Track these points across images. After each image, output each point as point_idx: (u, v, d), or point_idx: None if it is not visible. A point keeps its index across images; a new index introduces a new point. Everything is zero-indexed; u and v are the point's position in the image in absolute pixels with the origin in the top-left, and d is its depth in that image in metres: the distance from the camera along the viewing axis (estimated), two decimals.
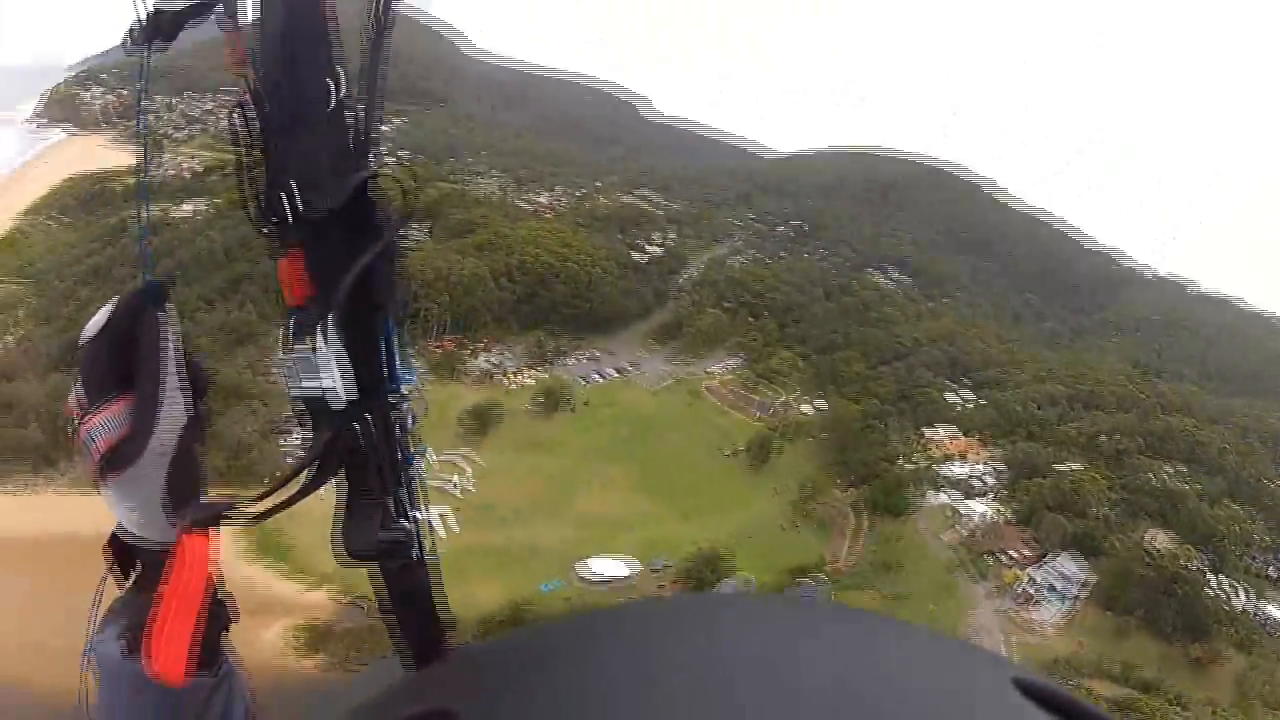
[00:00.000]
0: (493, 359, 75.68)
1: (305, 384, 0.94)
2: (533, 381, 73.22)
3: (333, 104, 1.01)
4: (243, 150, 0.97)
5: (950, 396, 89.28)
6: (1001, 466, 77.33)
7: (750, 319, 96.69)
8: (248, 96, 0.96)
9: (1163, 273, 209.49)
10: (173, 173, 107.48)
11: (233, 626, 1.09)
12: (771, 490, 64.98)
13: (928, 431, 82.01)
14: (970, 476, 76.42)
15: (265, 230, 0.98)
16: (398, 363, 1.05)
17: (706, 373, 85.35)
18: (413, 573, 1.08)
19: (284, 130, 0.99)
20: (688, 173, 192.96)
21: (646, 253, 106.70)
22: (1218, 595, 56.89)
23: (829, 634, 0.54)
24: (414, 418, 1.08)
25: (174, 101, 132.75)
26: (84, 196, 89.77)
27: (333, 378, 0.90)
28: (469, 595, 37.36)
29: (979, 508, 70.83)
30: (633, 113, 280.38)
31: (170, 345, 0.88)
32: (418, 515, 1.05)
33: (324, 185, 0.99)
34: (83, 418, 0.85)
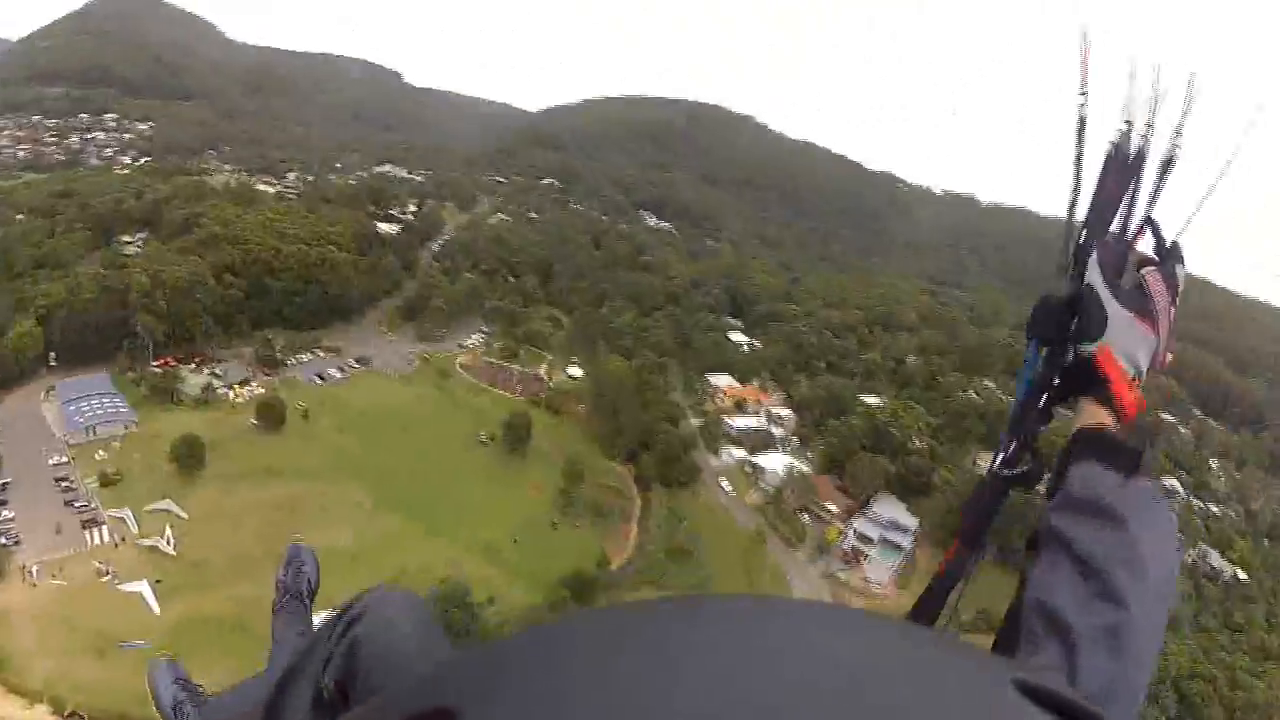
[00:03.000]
0: (217, 371, 63.17)
1: None
2: (264, 391, 61.85)
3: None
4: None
5: (737, 336, 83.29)
6: (786, 412, 69.82)
7: (511, 279, 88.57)
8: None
9: (944, 188, 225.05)
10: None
11: None
12: (531, 482, 56.33)
13: (714, 378, 73.80)
14: (761, 428, 67.85)
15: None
16: None
17: (460, 347, 76.37)
18: None
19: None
20: (440, 138, 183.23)
21: (398, 221, 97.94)
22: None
23: (826, 635, 0.53)
24: None
25: None
26: None
27: None
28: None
29: (778, 462, 62.82)
30: (393, 84, 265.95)
31: None
32: None
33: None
34: None
